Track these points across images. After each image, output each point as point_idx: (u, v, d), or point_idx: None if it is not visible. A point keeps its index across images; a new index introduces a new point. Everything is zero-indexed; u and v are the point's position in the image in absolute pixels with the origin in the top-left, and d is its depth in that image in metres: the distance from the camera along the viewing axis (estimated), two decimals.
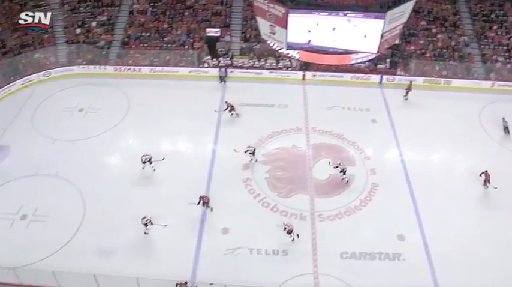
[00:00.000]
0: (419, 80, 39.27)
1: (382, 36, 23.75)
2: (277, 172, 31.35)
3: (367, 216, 28.53)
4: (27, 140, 35.09)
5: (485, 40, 41.47)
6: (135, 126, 36.11)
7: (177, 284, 24.03)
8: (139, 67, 41.81)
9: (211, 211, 28.56)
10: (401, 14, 24.02)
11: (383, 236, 27.43)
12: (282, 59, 40.03)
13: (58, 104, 38.79)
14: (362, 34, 23.93)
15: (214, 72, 40.38)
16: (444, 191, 29.96)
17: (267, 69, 40.34)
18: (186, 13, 43.90)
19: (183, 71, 41.31)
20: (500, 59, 40.27)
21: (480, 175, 29.96)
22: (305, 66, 39.35)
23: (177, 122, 35.72)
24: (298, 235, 26.97)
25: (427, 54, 40.81)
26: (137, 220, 27.46)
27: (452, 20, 42.68)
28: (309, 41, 24.87)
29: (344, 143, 33.32)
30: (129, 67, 41.98)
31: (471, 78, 39.64)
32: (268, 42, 28.57)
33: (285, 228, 26.77)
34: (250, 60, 40.94)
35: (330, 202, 29.25)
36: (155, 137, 34.65)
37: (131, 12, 44.87)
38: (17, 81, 41.03)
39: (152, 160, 31.24)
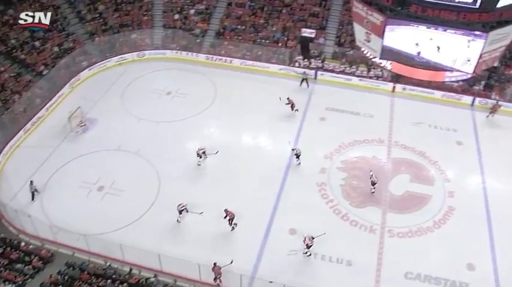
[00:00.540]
0: None
1: (480, 57, 23.20)
2: (353, 181, 31.31)
3: (439, 239, 27.89)
4: (114, 116, 36.97)
5: None
6: (219, 116, 37.03)
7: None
8: (231, 59, 42.71)
9: (233, 229, 28.16)
10: (504, 36, 23.35)
11: (452, 262, 26.75)
12: (374, 68, 39.73)
13: (148, 85, 40.47)
14: (459, 52, 23.54)
15: (302, 71, 40.59)
16: None
17: (357, 76, 40.16)
18: (284, 11, 44.42)
19: (273, 67, 41.83)
20: None
21: None
22: (396, 78, 38.86)
23: (260, 118, 36.37)
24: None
25: None
26: (207, 209, 28.35)
27: None
28: (419, 52, 24.57)
29: (425, 162, 32.75)
30: (220, 57, 43.02)
31: None
32: (362, 49, 28.53)
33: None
34: (342, 65, 40.87)
35: (402, 219, 28.91)
36: (237, 129, 35.47)
37: (229, 4, 45.90)
38: (112, 58, 43.26)
39: (207, 153, 32.20)
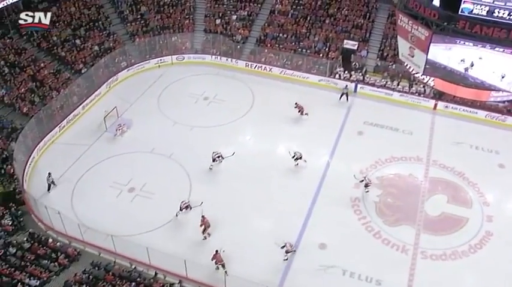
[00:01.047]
0: None
1: None
2: (388, 198, 30.88)
3: (473, 265, 27.12)
4: (150, 118, 37.35)
5: None
6: (255, 124, 37.07)
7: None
8: (271, 67, 42.74)
9: (205, 239, 27.85)
10: None
11: None
12: (416, 84, 39.19)
13: (185, 89, 40.84)
14: (507, 71, 23.11)
15: (344, 85, 40.13)
16: None
17: (399, 91, 39.64)
18: (327, 21, 44.28)
19: (313, 78, 41.70)
20: None
21: None
22: (438, 95, 38.27)
23: (297, 129, 36.29)
24: None
25: None
26: (234, 220, 28.27)
27: None
28: (466, 69, 24.23)
29: (464, 183, 32.05)
30: (260, 65, 43.08)
31: None
32: (405, 64, 28.33)
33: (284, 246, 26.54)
34: (383, 80, 40.48)
35: (436, 241, 28.27)
36: (272, 139, 35.39)
37: (272, 12, 45.99)
38: (152, 60, 43.73)
39: (223, 156, 32.32)
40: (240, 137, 35.70)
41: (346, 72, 41.24)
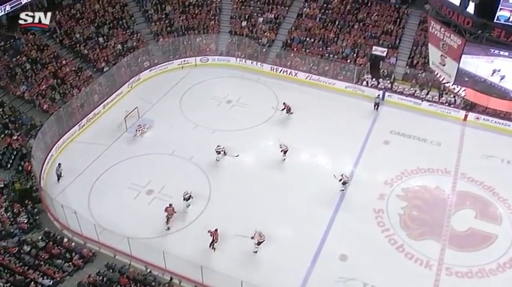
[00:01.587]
0: None
1: None
2: (413, 211, 30.54)
3: (501, 284, 26.55)
4: (171, 119, 37.56)
5: None
6: (278, 130, 36.91)
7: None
8: (296, 72, 42.69)
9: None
10: None
11: None
12: (446, 94, 38.78)
13: (208, 91, 40.96)
14: None
15: (371, 92, 40.08)
16: None
17: (428, 101, 39.22)
18: (356, 26, 44.09)
19: (339, 85, 41.50)
20: None
21: None
22: (469, 106, 37.80)
23: (321, 135, 36.04)
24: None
25: None
26: (258, 226, 28.11)
27: None
28: (502, 77, 23.91)
29: (494, 198, 31.52)
30: (285, 69, 43.05)
31: None
32: (435, 72, 28.06)
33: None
34: (412, 88, 40.10)
35: (462, 257, 27.80)
36: (295, 145, 35.03)
37: (300, 15, 45.96)
38: (175, 60, 43.93)
39: (226, 152, 33.17)
40: (262, 142, 35.61)
41: (373, 79, 40.95)
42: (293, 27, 45.44)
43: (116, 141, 35.38)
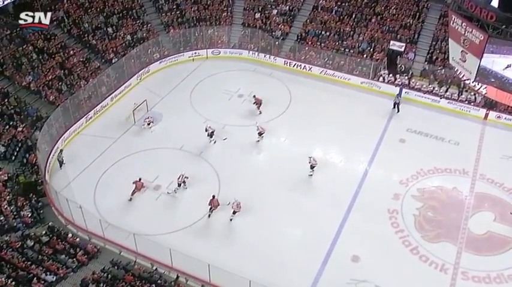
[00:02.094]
0: None
1: None
2: (429, 212, 30.31)
3: None
4: (181, 113, 37.52)
5: None
6: (290, 126, 36.86)
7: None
8: (311, 66, 42.49)
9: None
10: None
11: None
12: (466, 91, 38.48)
13: (219, 85, 40.90)
14: None
15: (388, 88, 39.84)
16: None
17: (447, 98, 38.89)
18: (373, 20, 43.86)
19: (355, 80, 41.28)
20: None
21: None
22: (490, 105, 37.47)
23: (335, 132, 35.90)
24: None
25: None
26: (268, 223, 28.31)
27: None
28: None
29: None
30: (299, 64, 42.86)
31: None
32: (455, 69, 27.75)
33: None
34: (430, 85, 39.80)
35: (480, 261, 27.54)
36: (307, 143, 35.07)
37: (315, 8, 45.78)
38: (186, 53, 43.88)
39: (214, 134, 34.01)
40: (273, 138, 35.48)
41: (390, 75, 40.69)
42: (308, 20, 45.26)
43: (123, 135, 35.41)
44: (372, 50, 42.46)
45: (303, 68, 42.75)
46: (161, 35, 44.13)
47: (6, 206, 28.59)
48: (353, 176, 32.48)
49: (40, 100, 36.57)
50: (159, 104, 38.42)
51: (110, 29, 42.95)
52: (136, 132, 35.62)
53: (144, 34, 43.73)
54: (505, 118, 37.29)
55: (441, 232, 29.15)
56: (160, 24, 45.28)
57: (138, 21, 44.44)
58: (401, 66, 41.17)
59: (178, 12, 46.04)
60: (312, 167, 31.99)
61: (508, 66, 23.66)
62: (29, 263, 25.04)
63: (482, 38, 23.32)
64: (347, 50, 42.90)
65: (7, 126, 33.51)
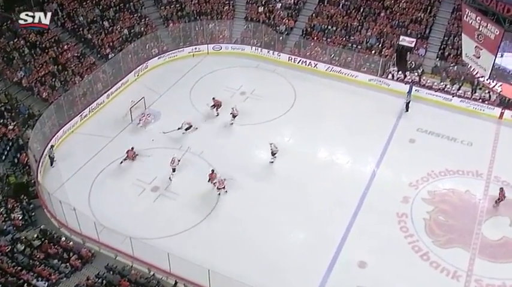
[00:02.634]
0: None
1: None
2: (440, 216, 30.12)
3: None
4: (180, 111, 37.39)
5: None
6: (295, 125, 36.78)
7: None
8: (316, 62, 42.40)
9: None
10: None
11: None
12: (480, 89, 38.28)
13: (221, 82, 40.85)
14: None
15: (397, 86, 39.69)
16: None
17: (459, 96, 38.72)
18: (382, 14, 43.71)
19: (362, 77, 41.16)
20: None
21: None
22: (506, 103, 37.30)
23: (342, 132, 35.80)
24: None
25: None
26: (271, 226, 28.14)
27: None
28: None
29: None
30: (304, 60, 42.74)
31: None
32: (469, 66, 27.58)
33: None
34: (442, 83, 39.61)
35: (494, 269, 27.26)
36: (312, 142, 35.02)
37: (321, 1, 45.66)
38: (186, 48, 43.83)
39: (188, 128, 34.79)
40: (277, 137, 35.22)
41: (400, 72, 40.44)
42: (314, 14, 45.14)
43: (120, 134, 35.33)
44: (380, 45, 42.32)
45: (308, 65, 42.63)
46: (160, 30, 44.07)
47: None
48: (360, 177, 32.31)
49: (32, 97, 36.51)
50: (157, 102, 38.30)
51: (106, 23, 42.84)
52: (133, 131, 35.54)
53: (142, 28, 43.63)
54: None
55: (453, 237, 28.92)
56: (159, 18, 45.19)
57: (135, 15, 44.35)
58: (411, 62, 40.96)
59: (177, 5, 45.92)
60: (273, 153, 32.47)
61: None
62: (19, 268, 24.88)
63: (497, 33, 23.14)
64: (354, 45, 42.76)
65: None
